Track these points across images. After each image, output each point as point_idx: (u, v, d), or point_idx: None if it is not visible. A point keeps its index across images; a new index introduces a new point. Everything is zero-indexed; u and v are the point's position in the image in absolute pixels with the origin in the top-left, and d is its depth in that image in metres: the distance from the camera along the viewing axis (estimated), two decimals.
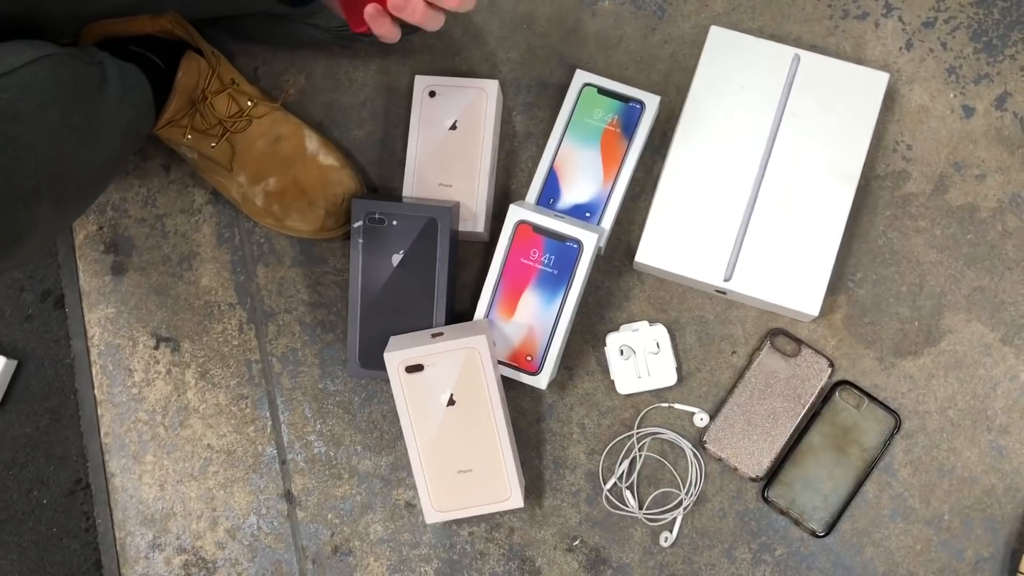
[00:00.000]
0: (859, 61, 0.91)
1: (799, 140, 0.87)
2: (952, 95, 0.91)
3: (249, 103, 0.89)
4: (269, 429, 0.94)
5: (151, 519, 0.93)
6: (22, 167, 0.64)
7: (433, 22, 0.68)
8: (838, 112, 0.87)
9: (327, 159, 0.91)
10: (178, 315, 0.96)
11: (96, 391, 0.96)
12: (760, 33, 0.92)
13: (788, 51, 0.88)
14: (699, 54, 0.90)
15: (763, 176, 0.87)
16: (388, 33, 0.70)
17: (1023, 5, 0.91)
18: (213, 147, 0.89)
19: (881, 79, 0.87)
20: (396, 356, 0.83)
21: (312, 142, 0.91)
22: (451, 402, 0.83)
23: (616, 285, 0.92)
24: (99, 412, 0.95)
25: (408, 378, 0.83)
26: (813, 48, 0.92)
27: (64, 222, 0.76)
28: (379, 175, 0.96)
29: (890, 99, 0.91)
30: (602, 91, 0.90)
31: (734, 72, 0.89)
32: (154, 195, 0.97)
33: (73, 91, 0.69)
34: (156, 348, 0.96)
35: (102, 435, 0.95)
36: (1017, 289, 0.88)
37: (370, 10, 0.67)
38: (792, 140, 0.87)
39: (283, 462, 0.93)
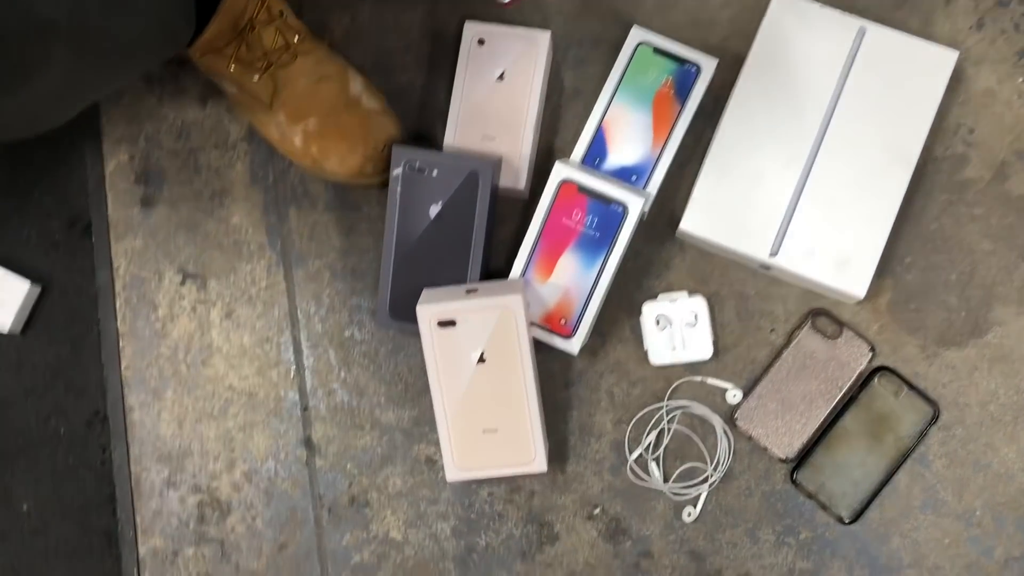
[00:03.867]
0: (927, 37, 0.87)
1: (858, 116, 0.84)
2: (1021, 80, 0.87)
3: (296, 38, 0.87)
4: (293, 374, 0.92)
5: (167, 456, 0.92)
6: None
7: None
8: (901, 89, 0.84)
9: (370, 103, 0.89)
10: (206, 252, 0.94)
11: (119, 323, 0.94)
12: (825, 1, 0.88)
13: (854, 22, 0.85)
14: (760, 19, 0.86)
15: (818, 151, 0.84)
16: None
17: None
18: (256, 81, 0.86)
19: (949, 57, 0.84)
20: (429, 309, 0.81)
21: (356, 85, 0.89)
22: (481, 360, 0.82)
23: (656, 253, 0.89)
24: (121, 345, 0.94)
25: (440, 333, 0.81)
26: (879, 20, 0.88)
27: (77, 86, 0.73)
28: (420, 123, 0.93)
29: (956, 80, 0.88)
30: (658, 51, 0.87)
31: (796, 41, 0.86)
32: (188, 128, 0.95)
33: None
34: (182, 284, 0.94)
35: (123, 368, 0.94)
36: None
37: None
38: (851, 115, 0.84)
39: (305, 408, 0.92)
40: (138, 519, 0.92)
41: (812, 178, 0.84)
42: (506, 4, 0.66)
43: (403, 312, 0.87)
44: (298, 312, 0.93)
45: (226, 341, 0.93)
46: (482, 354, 0.82)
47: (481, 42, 0.89)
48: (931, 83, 0.84)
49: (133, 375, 0.94)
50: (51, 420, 0.94)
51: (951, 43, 0.88)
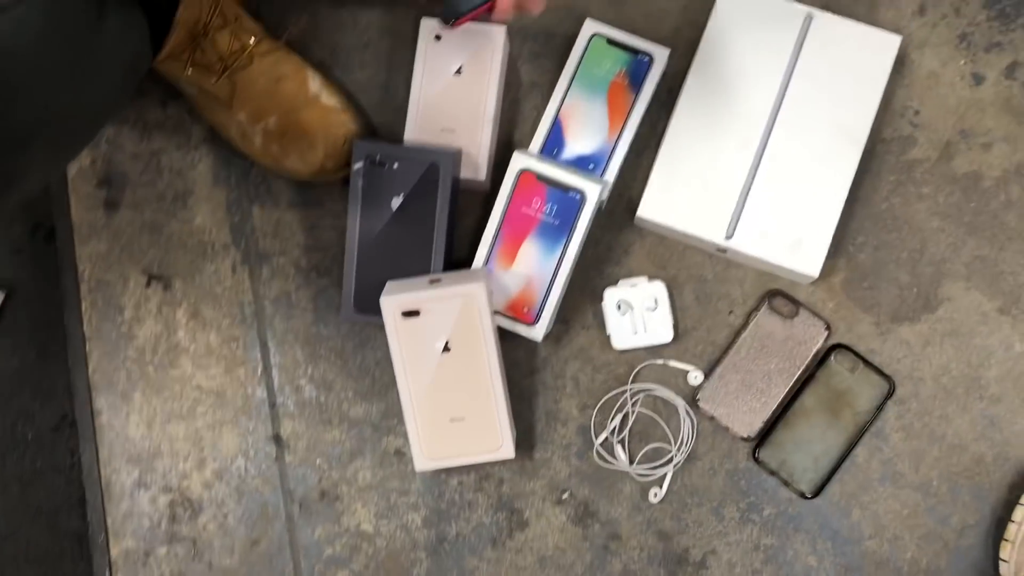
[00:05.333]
0: (871, 23, 0.90)
1: (807, 100, 0.87)
2: (963, 62, 0.90)
3: (252, 40, 0.88)
4: (260, 372, 0.93)
5: (137, 457, 0.93)
6: (15, 110, 0.61)
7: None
8: (848, 74, 0.87)
9: (329, 100, 0.90)
10: (171, 253, 0.95)
11: (85, 327, 0.94)
12: None
13: (801, 9, 0.87)
14: (710, 9, 0.88)
15: (769, 136, 0.86)
16: (537, 8, 0.73)
17: None
18: (214, 83, 0.87)
19: (893, 42, 0.86)
20: (393, 300, 0.82)
21: (314, 83, 0.90)
22: (446, 349, 0.83)
23: (616, 240, 0.91)
24: (87, 348, 0.94)
25: (404, 323, 0.82)
26: (825, 7, 0.90)
27: (58, 166, 0.73)
28: (380, 119, 0.94)
29: (900, 63, 0.90)
30: (611, 42, 0.89)
31: (745, 29, 0.88)
32: (150, 130, 0.96)
33: (70, 27, 0.66)
34: (147, 286, 0.94)
35: (90, 371, 0.94)
36: (1017, 259, 0.88)
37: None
38: (800, 100, 0.87)
39: (273, 405, 0.92)
40: (109, 521, 0.92)
41: (764, 162, 0.86)
42: (452, 26, 0.71)
43: (368, 305, 0.88)
44: (264, 310, 0.93)
45: (193, 341, 0.94)
46: (447, 343, 0.83)
47: (438, 38, 0.90)
48: (876, 67, 0.87)
49: (100, 378, 0.94)
50: (18, 425, 0.94)
51: (895, 28, 0.91)
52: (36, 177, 0.67)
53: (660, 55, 0.88)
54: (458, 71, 0.89)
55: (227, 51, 0.86)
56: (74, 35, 0.67)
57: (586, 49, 0.89)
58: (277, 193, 0.94)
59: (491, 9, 0.71)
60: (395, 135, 0.93)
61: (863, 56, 0.87)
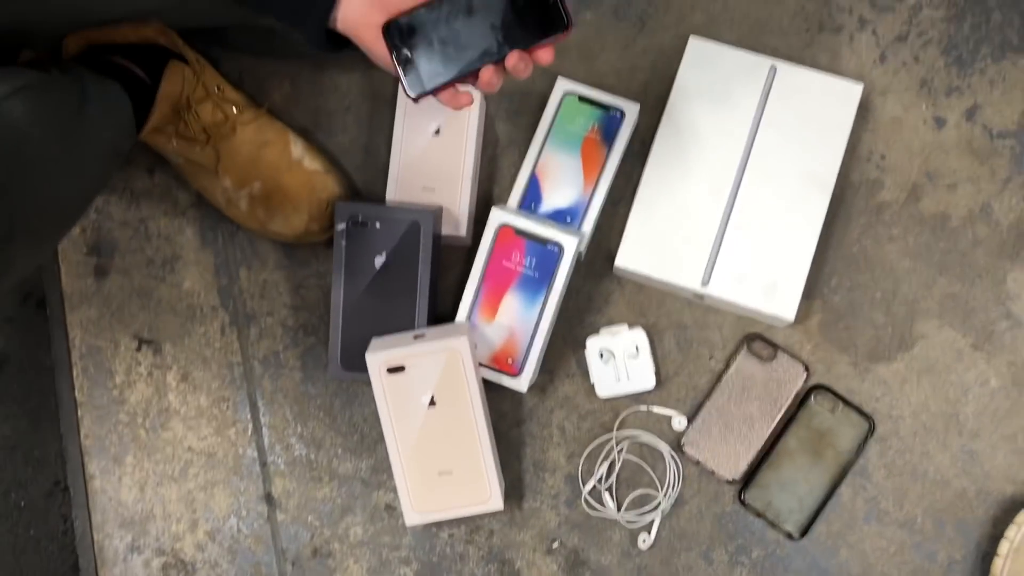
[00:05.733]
0: (834, 72, 0.93)
1: (775, 148, 0.89)
2: (924, 107, 0.93)
3: (234, 110, 0.90)
4: (250, 431, 0.94)
5: (130, 521, 0.93)
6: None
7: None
8: (814, 122, 0.89)
9: (312, 164, 0.92)
10: (160, 317, 0.96)
11: (77, 393, 0.96)
12: (738, 45, 0.94)
13: (765, 61, 0.90)
14: (678, 64, 0.91)
15: (740, 183, 0.89)
16: (494, 88, 0.72)
17: (992, 21, 0.94)
18: (198, 152, 0.89)
19: (855, 90, 0.89)
20: (378, 357, 0.84)
21: (297, 147, 0.92)
22: (432, 403, 0.84)
23: (596, 290, 0.93)
24: (79, 414, 0.95)
25: (390, 379, 0.84)
26: (790, 60, 0.94)
27: (41, 256, 0.72)
28: (363, 180, 0.97)
29: (864, 110, 0.93)
30: (583, 99, 0.92)
31: (712, 82, 0.91)
32: (138, 198, 0.98)
33: (51, 121, 0.66)
34: (138, 350, 0.96)
35: (82, 437, 0.95)
36: (987, 296, 0.90)
37: (489, 75, 0.70)
38: (768, 148, 0.89)
39: (264, 464, 0.93)
40: None
41: (736, 209, 0.89)
42: (415, 100, 0.73)
43: (355, 363, 0.89)
44: (253, 370, 0.95)
45: (183, 403, 0.95)
46: (432, 397, 0.84)
47: (416, 100, 0.92)
48: (840, 114, 0.89)
49: (93, 443, 0.95)
50: (11, 494, 0.94)
51: (858, 76, 0.94)
52: (17, 272, 0.67)
53: (631, 110, 0.91)
54: (437, 131, 0.92)
55: (210, 122, 0.89)
56: (58, 126, 0.67)
57: (559, 107, 0.92)
58: (263, 255, 0.96)
59: (451, 87, 0.74)
60: (378, 195, 0.96)
61: (828, 104, 0.90)
